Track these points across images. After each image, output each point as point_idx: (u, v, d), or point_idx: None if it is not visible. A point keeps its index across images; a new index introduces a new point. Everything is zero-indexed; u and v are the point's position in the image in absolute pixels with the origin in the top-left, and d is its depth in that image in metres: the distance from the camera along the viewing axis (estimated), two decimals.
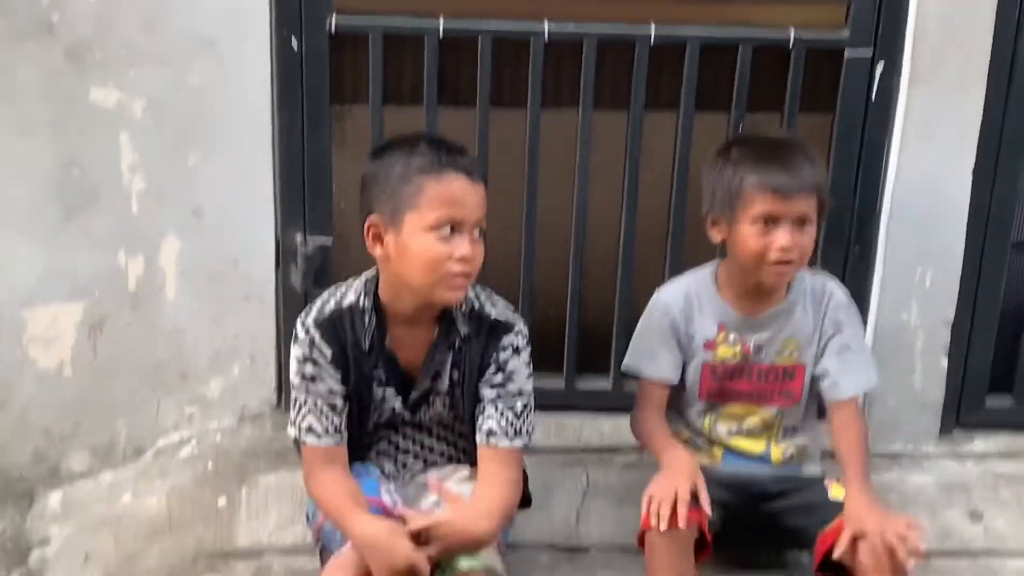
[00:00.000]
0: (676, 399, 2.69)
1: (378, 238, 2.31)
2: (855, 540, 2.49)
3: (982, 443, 3.11)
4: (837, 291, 2.72)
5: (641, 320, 2.67)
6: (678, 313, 2.61)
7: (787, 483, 2.73)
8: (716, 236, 2.57)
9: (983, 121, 2.99)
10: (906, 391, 3.08)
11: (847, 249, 3.06)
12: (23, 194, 2.98)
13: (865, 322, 3.00)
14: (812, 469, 2.78)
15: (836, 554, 2.51)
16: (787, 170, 2.45)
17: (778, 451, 2.75)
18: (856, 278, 3.05)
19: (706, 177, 2.57)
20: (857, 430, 2.65)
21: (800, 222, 2.46)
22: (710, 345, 2.62)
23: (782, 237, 2.45)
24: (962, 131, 2.99)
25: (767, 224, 2.45)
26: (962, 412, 3.13)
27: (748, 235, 2.48)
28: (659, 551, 2.47)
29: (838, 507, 2.58)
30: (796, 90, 3.01)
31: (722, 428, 2.71)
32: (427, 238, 2.23)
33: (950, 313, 3.07)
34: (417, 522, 2.28)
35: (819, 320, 2.69)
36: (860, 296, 2.98)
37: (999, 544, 2.88)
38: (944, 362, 3.07)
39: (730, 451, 2.75)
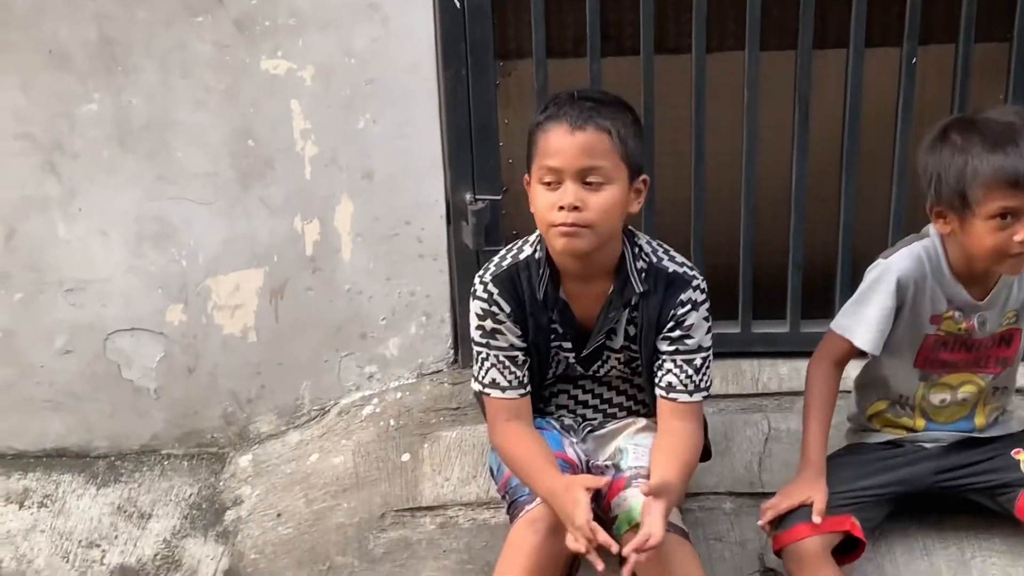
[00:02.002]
0: (876, 367, 2.57)
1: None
2: None
3: None
4: None
5: (866, 285, 2.48)
6: (910, 289, 2.43)
7: (986, 445, 2.64)
8: (943, 229, 2.36)
9: None
10: None
11: None
12: (202, 165, 3.06)
13: None
14: (1008, 426, 2.69)
15: None
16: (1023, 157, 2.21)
17: (982, 415, 2.64)
18: None
19: (925, 164, 2.36)
20: None
21: None
22: (936, 320, 2.46)
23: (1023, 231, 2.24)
24: None
25: (1004, 218, 2.26)
26: None
27: (983, 232, 2.28)
28: (793, 568, 2.46)
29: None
30: (971, 18, 2.90)
31: (935, 398, 2.56)
32: (538, 189, 2.25)
33: None
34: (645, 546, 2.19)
35: None
36: None
37: None
38: None
39: (932, 419, 2.64)
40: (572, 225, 2.21)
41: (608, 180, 2.22)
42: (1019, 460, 2.57)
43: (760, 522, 2.53)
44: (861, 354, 2.57)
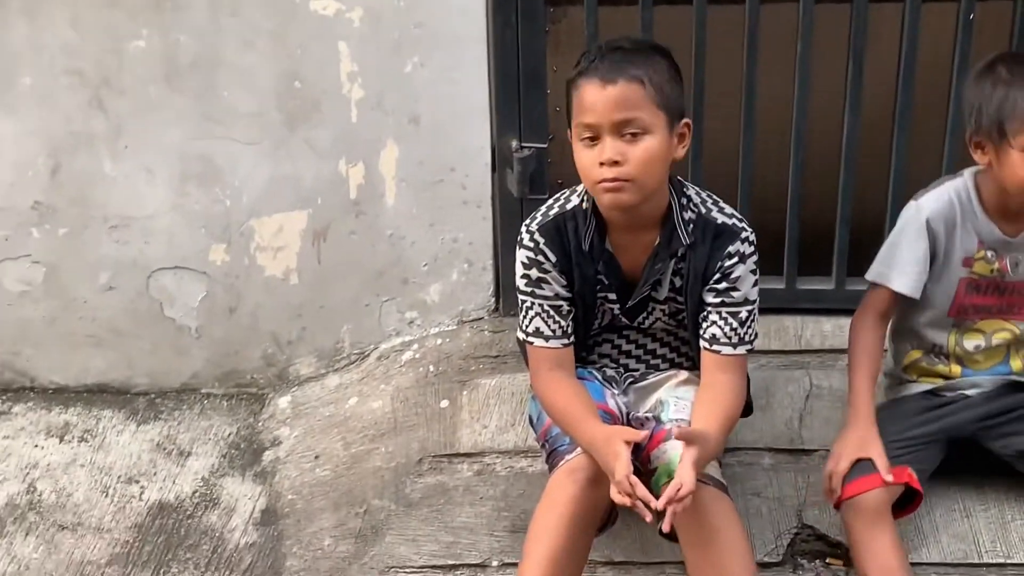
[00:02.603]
0: (909, 316, 2.56)
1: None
2: None
3: None
4: None
5: (898, 230, 2.49)
6: (941, 230, 2.43)
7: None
8: (981, 160, 2.36)
9: None
10: None
11: None
12: (248, 106, 3.05)
13: None
14: None
15: None
16: None
17: (1018, 360, 2.61)
18: None
19: (969, 96, 2.37)
20: None
21: None
22: (968, 262, 2.45)
23: None
24: None
25: None
26: None
27: (1018, 164, 2.28)
28: (853, 522, 2.43)
29: None
30: None
31: (969, 344, 2.54)
32: (578, 146, 2.24)
33: None
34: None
35: None
36: None
37: None
38: None
39: (968, 366, 2.61)
40: (615, 180, 2.20)
41: (646, 130, 2.19)
42: None
43: (833, 497, 2.49)
44: (905, 302, 2.57)
